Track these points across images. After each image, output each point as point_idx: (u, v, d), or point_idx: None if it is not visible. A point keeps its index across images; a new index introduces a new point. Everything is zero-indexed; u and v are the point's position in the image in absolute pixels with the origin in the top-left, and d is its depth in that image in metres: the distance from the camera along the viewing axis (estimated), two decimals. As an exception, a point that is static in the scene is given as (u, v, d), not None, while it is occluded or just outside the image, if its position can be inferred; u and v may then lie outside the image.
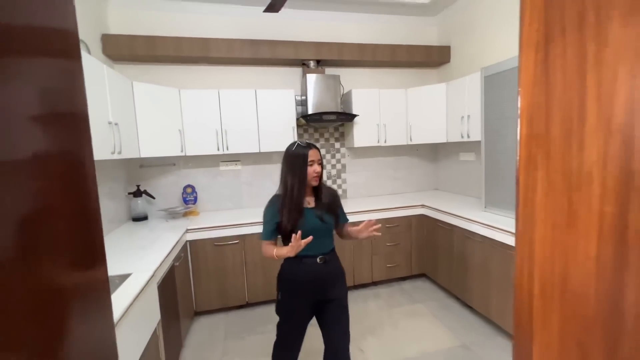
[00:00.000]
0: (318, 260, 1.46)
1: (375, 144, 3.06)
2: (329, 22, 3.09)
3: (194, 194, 2.89)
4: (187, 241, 2.44)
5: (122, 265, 1.65)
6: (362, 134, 3.02)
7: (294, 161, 1.45)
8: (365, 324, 2.40)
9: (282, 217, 1.43)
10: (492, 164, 2.38)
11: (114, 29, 2.60)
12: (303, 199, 1.45)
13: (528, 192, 0.57)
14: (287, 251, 1.34)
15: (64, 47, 0.54)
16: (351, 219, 2.58)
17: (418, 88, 3.06)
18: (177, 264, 2.11)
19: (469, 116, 2.64)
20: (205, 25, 2.81)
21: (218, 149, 2.70)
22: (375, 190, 3.45)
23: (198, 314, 2.61)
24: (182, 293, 2.24)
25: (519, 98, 0.57)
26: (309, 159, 1.43)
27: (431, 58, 3.19)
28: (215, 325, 2.50)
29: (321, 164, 1.50)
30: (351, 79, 3.20)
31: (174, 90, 2.54)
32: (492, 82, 2.32)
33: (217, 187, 3.05)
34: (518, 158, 0.58)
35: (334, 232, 1.59)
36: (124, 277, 1.50)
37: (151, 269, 1.58)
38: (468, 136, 2.68)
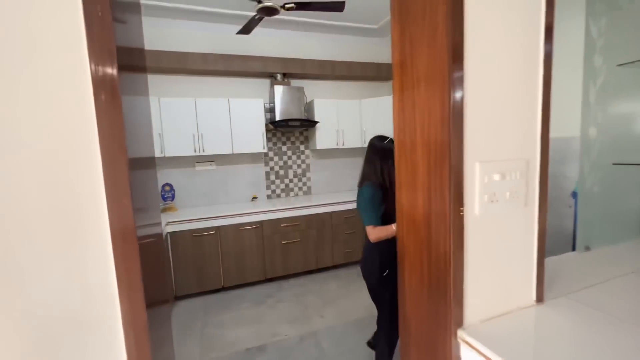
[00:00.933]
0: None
1: (334, 146, 3.54)
2: (295, 40, 3.53)
3: (172, 192, 3.18)
4: (167, 233, 2.75)
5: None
6: (323, 138, 3.49)
7: (386, 154, 1.64)
8: (326, 298, 2.85)
9: (387, 204, 1.60)
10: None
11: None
12: (392, 185, 1.62)
13: (400, 172, 1.05)
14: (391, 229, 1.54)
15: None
16: (316, 210, 3.04)
17: (370, 99, 3.59)
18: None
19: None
20: (183, 40, 3.12)
21: (195, 151, 3.02)
22: (336, 186, 3.93)
23: (178, 298, 2.90)
24: (167, 277, 2.54)
25: (393, 120, 1.05)
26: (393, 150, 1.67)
27: (381, 73, 3.74)
28: (195, 306, 2.82)
29: None
30: (314, 89, 3.66)
31: (153, 98, 2.83)
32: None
33: (193, 185, 3.35)
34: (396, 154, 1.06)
35: None
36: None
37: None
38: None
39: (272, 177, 3.64)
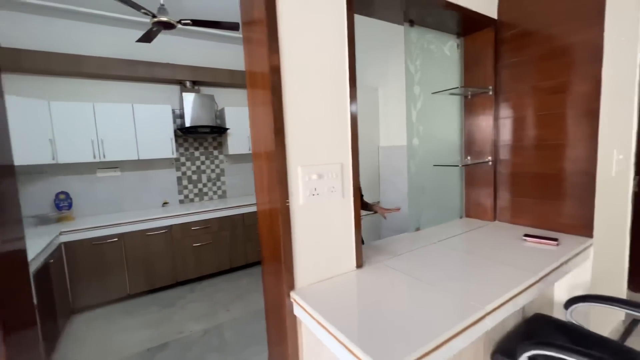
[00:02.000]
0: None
1: (247, 151, 3.75)
2: (205, 50, 3.64)
3: (69, 200, 3.01)
4: (61, 243, 2.62)
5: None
6: (235, 143, 3.67)
7: None
8: (234, 294, 3.03)
9: None
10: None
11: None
12: None
13: (256, 176, 1.32)
14: (378, 208, 1.83)
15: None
16: (231, 212, 3.18)
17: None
18: (52, 261, 2.33)
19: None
20: (79, 43, 2.99)
21: (94, 157, 2.93)
22: (249, 189, 4.13)
23: (77, 310, 2.77)
24: (57, 290, 2.44)
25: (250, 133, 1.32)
26: None
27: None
28: (97, 316, 2.73)
29: None
30: (225, 97, 3.82)
31: (42, 102, 2.68)
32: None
33: (95, 193, 3.21)
34: (253, 162, 1.32)
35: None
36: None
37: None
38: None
39: (185, 182, 3.68)
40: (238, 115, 3.66)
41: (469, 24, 1.93)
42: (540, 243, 1.60)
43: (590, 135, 1.58)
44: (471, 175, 2.18)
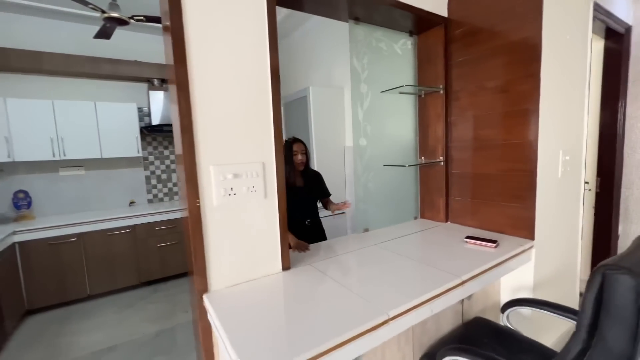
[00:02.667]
0: (307, 223, 2.00)
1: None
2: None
3: (28, 199, 2.95)
4: (15, 243, 2.56)
5: None
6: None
7: (285, 153, 1.84)
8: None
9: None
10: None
11: None
12: (294, 181, 1.95)
13: (179, 175, 1.27)
14: (291, 239, 1.65)
15: None
16: None
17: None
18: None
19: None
20: (39, 39, 2.94)
21: (54, 155, 2.88)
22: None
23: (31, 311, 2.72)
24: (7, 290, 2.39)
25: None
26: (294, 149, 1.94)
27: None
28: (51, 318, 2.68)
29: (305, 153, 1.99)
30: None
31: (-3, 99, 2.63)
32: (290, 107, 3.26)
33: (58, 192, 3.15)
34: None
35: (319, 203, 2.10)
36: None
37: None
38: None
39: (154, 181, 3.63)
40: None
41: (419, 22, 1.89)
42: (480, 245, 1.57)
43: (531, 135, 1.55)
44: (425, 176, 2.14)
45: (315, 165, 2.99)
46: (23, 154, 2.76)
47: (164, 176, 3.68)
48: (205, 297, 1.17)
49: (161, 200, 3.68)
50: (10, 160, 2.70)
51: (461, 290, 1.23)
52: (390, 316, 0.99)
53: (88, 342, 2.30)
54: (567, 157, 1.75)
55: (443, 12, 1.89)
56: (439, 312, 1.19)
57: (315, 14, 1.66)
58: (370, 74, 1.89)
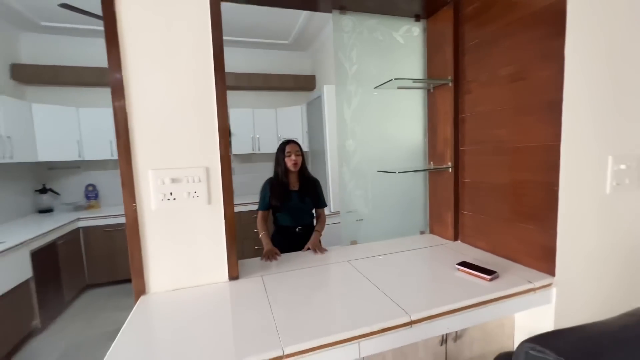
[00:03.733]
0: (297, 230, 1.89)
1: (250, 151, 3.85)
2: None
3: (95, 191, 3.53)
4: (79, 227, 3.10)
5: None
6: (239, 143, 3.80)
7: (278, 154, 1.90)
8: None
9: (271, 195, 1.85)
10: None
11: (25, 59, 3.24)
12: (288, 183, 1.86)
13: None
14: (265, 244, 1.72)
15: None
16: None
17: (285, 108, 3.88)
18: (62, 242, 2.77)
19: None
20: (104, 57, 3.46)
21: (112, 155, 3.37)
22: (255, 188, 4.21)
23: (90, 286, 3.25)
24: (72, 267, 2.90)
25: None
26: (287, 150, 1.86)
27: (299, 84, 4.03)
28: (103, 293, 3.16)
29: (300, 154, 1.88)
30: (230, 99, 3.97)
31: (71, 109, 3.20)
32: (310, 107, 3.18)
33: (118, 185, 3.68)
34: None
35: (314, 211, 1.97)
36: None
37: (14, 240, 2.23)
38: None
39: None
40: (243, 116, 3.79)
41: (425, 3, 1.61)
42: (471, 275, 1.25)
43: (551, 136, 1.16)
44: (434, 184, 1.83)
45: (329, 167, 2.84)
46: (90, 154, 3.31)
47: None
48: (142, 297, 1.19)
49: None
50: (80, 159, 3.28)
51: (409, 331, 0.98)
52: (286, 353, 0.84)
53: (122, 318, 2.62)
54: (623, 166, 1.26)
55: (453, -13, 1.57)
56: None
57: (284, 6, 1.54)
58: (361, 69, 1.68)
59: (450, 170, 1.67)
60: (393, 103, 1.76)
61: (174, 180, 1.21)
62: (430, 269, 1.38)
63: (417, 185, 1.87)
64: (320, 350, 0.88)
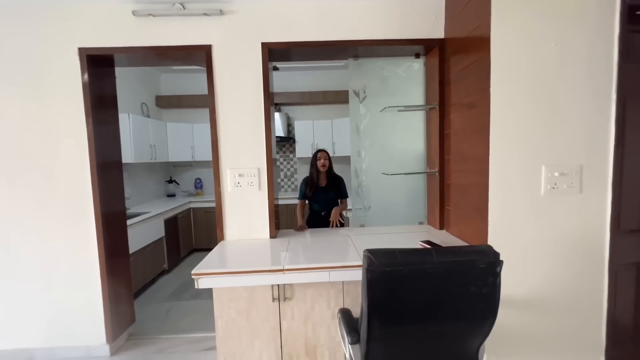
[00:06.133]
0: (322, 214, 2.62)
1: (310, 155, 4.67)
2: (280, 79, 4.80)
3: (201, 183, 4.88)
4: (190, 208, 4.42)
5: (146, 209, 3.63)
6: (301, 148, 4.68)
7: (312, 159, 2.63)
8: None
9: (306, 189, 2.63)
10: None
11: (163, 92, 4.75)
12: (318, 180, 2.58)
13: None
14: (299, 221, 2.51)
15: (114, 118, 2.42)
16: (288, 202, 4.19)
17: (340, 119, 4.59)
18: (181, 216, 4.07)
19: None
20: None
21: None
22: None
23: (196, 249, 4.56)
24: (185, 234, 4.21)
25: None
26: (318, 156, 2.58)
27: (353, 98, 4.69)
28: (204, 255, 4.40)
29: (328, 159, 2.56)
30: (296, 112, 4.89)
31: (189, 125, 4.56)
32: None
33: (216, 180, 5.00)
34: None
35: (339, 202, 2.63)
36: (145, 213, 3.46)
37: (155, 212, 3.52)
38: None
39: (281, 175, 5.04)
40: (305, 126, 4.65)
41: (424, 45, 2.12)
42: (424, 247, 1.77)
43: (483, 149, 1.61)
44: (429, 185, 2.31)
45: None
46: (199, 156, 4.63)
47: (288, 172, 5.05)
48: (221, 242, 2.08)
49: (283, 188, 5.04)
50: (193, 160, 4.63)
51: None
52: (285, 268, 1.57)
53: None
54: (557, 174, 1.60)
55: (440, 34, 2.06)
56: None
57: (310, 59, 2.26)
58: (369, 98, 2.30)
59: (437, 174, 2.14)
60: (399, 122, 2.31)
61: (240, 175, 2.07)
62: (401, 244, 1.92)
63: (419, 185, 2.37)
64: (304, 271, 1.58)
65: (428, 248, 1.09)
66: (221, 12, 1.98)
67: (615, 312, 1.69)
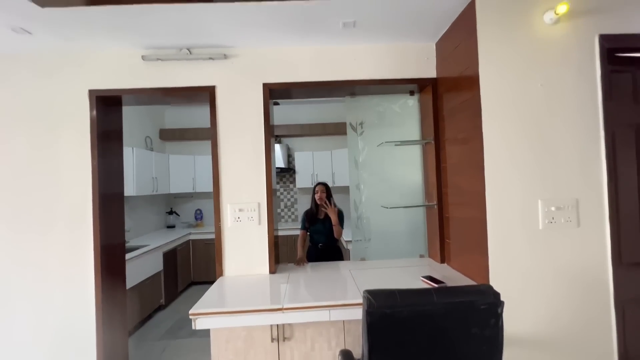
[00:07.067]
0: (319, 246, 2.67)
1: (310, 185, 4.72)
2: (281, 112, 4.97)
3: (201, 214, 4.88)
4: (189, 239, 4.38)
5: (145, 241, 3.61)
6: (301, 179, 4.73)
7: (312, 192, 2.71)
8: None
9: (306, 221, 2.71)
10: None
11: (167, 125, 4.90)
12: (317, 212, 2.65)
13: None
14: (298, 254, 2.57)
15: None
16: (289, 233, 4.18)
17: (339, 150, 4.69)
18: (180, 248, 4.03)
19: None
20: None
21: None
22: (317, 216, 5.04)
23: (194, 282, 4.46)
24: (184, 267, 4.14)
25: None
26: (316, 189, 2.67)
27: (351, 130, 4.82)
28: (204, 289, 4.29)
29: (326, 192, 2.62)
30: (296, 144, 5.01)
31: (190, 157, 4.65)
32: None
33: (217, 211, 5.00)
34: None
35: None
36: (144, 246, 3.43)
37: (155, 245, 3.50)
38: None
39: (282, 205, 5.04)
40: (305, 157, 4.74)
41: (417, 84, 2.22)
42: (425, 283, 1.74)
43: (479, 184, 1.64)
44: (428, 217, 2.31)
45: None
46: (200, 187, 4.68)
47: (288, 203, 5.06)
48: (220, 277, 2.06)
49: (284, 219, 5.03)
50: (193, 191, 4.67)
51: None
52: (284, 307, 1.54)
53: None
54: (554, 208, 1.61)
55: (433, 74, 2.17)
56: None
57: (309, 97, 2.37)
58: (366, 132, 2.37)
59: (435, 207, 2.16)
60: (396, 155, 2.36)
61: (240, 210, 2.09)
62: (402, 279, 1.89)
63: (419, 217, 2.38)
64: (304, 310, 1.55)
65: (428, 288, 1.09)
66: (225, 56, 2.10)
67: (627, 350, 1.63)
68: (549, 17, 1.60)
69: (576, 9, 1.62)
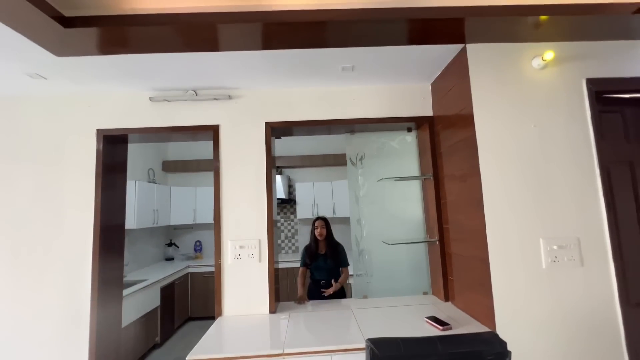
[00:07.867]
0: (322, 283, 2.58)
1: (310, 216, 4.71)
2: (281, 144, 5.08)
3: (201, 246, 4.83)
4: (188, 272, 4.30)
5: (143, 276, 3.54)
6: (302, 210, 4.72)
7: (311, 227, 2.70)
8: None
9: (307, 257, 2.63)
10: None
11: (170, 157, 4.98)
12: (317, 248, 2.61)
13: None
14: (299, 292, 2.45)
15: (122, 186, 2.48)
16: (290, 265, 4.11)
17: (339, 181, 4.73)
18: (178, 282, 3.95)
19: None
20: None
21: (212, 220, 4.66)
22: (317, 247, 4.97)
23: (192, 318, 4.31)
24: (181, 302, 4.02)
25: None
26: (315, 225, 2.66)
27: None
28: (199, 325, 4.15)
29: (326, 228, 2.60)
30: (297, 175, 5.06)
31: (192, 189, 4.69)
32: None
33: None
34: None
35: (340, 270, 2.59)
36: (143, 281, 3.36)
37: (152, 279, 3.43)
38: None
39: (282, 236, 4.99)
40: (305, 188, 4.77)
41: (414, 121, 2.29)
42: (431, 325, 1.70)
43: (479, 223, 1.64)
44: (431, 254, 2.29)
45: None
46: (200, 219, 4.66)
47: (289, 234, 5.02)
48: (219, 317, 2.00)
49: (284, 250, 4.96)
50: (193, 222, 4.65)
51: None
52: (285, 352, 1.49)
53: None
54: (556, 247, 1.61)
55: (429, 112, 2.24)
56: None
57: (309, 134, 2.44)
58: (366, 168, 2.41)
59: (437, 242, 2.15)
60: (396, 190, 2.38)
61: (241, 247, 2.07)
62: (406, 320, 1.84)
63: (421, 252, 2.36)
64: (305, 355, 1.50)
65: (432, 337, 1.06)
66: (229, 97, 2.19)
67: (645, 398, 1.55)
68: (536, 62, 1.69)
69: (562, 55, 1.72)
